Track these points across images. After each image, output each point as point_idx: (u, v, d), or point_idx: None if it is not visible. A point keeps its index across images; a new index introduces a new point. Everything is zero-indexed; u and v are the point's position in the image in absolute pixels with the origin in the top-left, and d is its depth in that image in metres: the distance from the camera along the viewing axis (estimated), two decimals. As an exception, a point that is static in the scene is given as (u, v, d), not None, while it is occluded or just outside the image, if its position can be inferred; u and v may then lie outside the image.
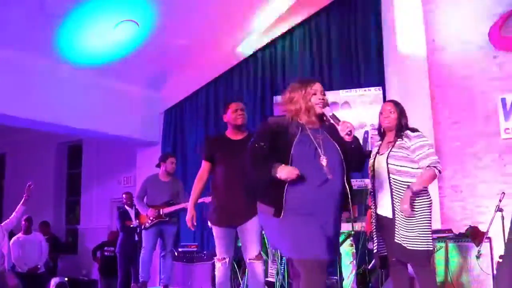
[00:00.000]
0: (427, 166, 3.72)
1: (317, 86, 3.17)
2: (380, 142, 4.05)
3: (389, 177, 3.76)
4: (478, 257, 5.24)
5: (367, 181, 5.04)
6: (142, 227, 6.54)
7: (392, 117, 3.91)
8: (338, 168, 3.07)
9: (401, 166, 3.75)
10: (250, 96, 8.35)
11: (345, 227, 5.00)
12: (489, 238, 5.39)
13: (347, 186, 3.13)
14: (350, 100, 6.82)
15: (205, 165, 4.32)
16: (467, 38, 6.73)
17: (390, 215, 3.73)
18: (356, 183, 5.10)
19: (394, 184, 3.75)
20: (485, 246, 5.30)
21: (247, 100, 8.29)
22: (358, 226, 5.01)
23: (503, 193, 5.19)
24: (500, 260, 4.89)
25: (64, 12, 6.77)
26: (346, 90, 6.99)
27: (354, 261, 5.25)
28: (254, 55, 8.46)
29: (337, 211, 3.13)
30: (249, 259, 4.15)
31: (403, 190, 3.69)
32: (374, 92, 6.94)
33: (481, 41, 6.63)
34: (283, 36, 8.20)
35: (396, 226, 3.69)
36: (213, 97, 8.90)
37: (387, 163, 3.78)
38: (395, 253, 3.77)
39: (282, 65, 8.13)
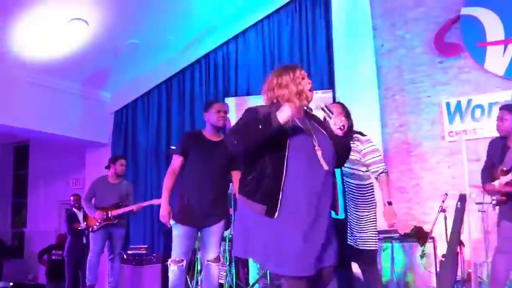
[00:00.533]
0: (382, 172, 3.79)
1: (303, 72, 2.93)
2: None
3: (342, 179, 3.78)
4: (422, 256, 5.40)
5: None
6: (90, 229, 6.41)
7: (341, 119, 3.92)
8: (332, 161, 2.81)
9: (353, 169, 3.79)
10: (202, 97, 8.31)
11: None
12: (433, 238, 5.55)
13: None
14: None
15: (178, 160, 4.21)
16: (414, 43, 6.93)
17: (342, 216, 3.68)
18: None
19: (348, 187, 3.78)
20: (429, 245, 5.46)
21: (199, 101, 8.26)
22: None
23: (446, 194, 5.35)
24: (443, 259, 5.05)
25: (12, 11, 6.57)
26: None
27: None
28: (206, 56, 8.44)
29: (330, 210, 2.81)
30: (208, 261, 4.14)
31: (354, 192, 3.74)
32: (323, 94, 7.02)
33: (427, 47, 6.83)
34: (235, 37, 8.20)
35: (348, 228, 3.72)
36: (165, 98, 8.81)
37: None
38: (345, 254, 3.79)
39: (234, 66, 8.13)
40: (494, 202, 4.30)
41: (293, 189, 2.62)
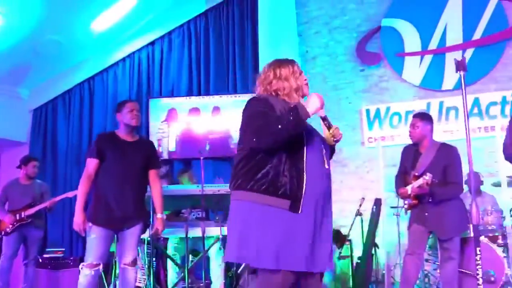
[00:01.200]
0: None
1: (299, 67, 2.80)
2: None
3: None
4: (339, 258, 5.53)
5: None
6: (3, 233, 6.13)
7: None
8: (328, 161, 2.70)
9: None
10: (125, 97, 8.12)
11: (214, 231, 5.02)
12: (350, 241, 5.70)
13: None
14: (223, 105, 6.90)
15: (93, 163, 4.06)
16: (337, 51, 7.12)
17: None
18: (224, 188, 5.13)
19: None
20: (346, 248, 5.60)
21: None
22: (226, 230, 5.05)
23: (363, 198, 5.52)
24: (359, 261, 5.20)
25: None
26: (220, 95, 7.04)
27: (222, 265, 5.29)
28: (131, 55, 8.28)
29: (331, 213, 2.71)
30: (124, 264, 4.04)
31: None
32: (245, 99, 7.04)
33: (349, 55, 7.04)
34: (161, 38, 8.10)
35: None
36: (88, 97, 8.56)
37: None
38: None
39: (159, 67, 8.02)
40: (406, 206, 4.47)
41: (311, 187, 2.52)
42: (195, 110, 6.84)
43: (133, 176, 4.08)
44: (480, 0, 6.67)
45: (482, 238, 4.95)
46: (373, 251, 5.07)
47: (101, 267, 3.95)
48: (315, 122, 2.72)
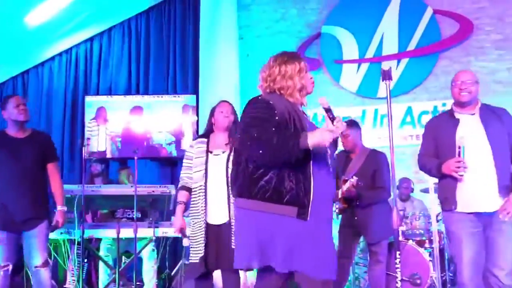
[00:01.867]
0: None
1: (306, 63, 2.71)
2: (203, 139, 3.76)
3: (227, 182, 3.57)
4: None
5: (172, 187, 5.07)
6: None
7: (231, 118, 3.78)
8: (332, 162, 2.61)
9: None
10: (60, 93, 7.90)
11: (147, 232, 4.96)
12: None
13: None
14: (162, 105, 6.84)
15: None
16: (277, 55, 7.17)
17: (224, 221, 3.56)
18: (159, 189, 5.08)
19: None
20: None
21: (56, 98, 7.85)
22: (160, 231, 5.00)
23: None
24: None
25: None
26: (159, 95, 6.98)
27: (155, 266, 5.23)
28: (68, 50, 8.05)
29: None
30: (36, 267, 3.88)
31: None
32: (184, 99, 7.00)
33: (289, 60, 7.11)
34: (100, 34, 7.93)
35: (232, 233, 3.48)
36: (21, 91, 8.24)
37: (227, 167, 3.60)
38: (229, 259, 3.40)
39: (97, 64, 7.84)
40: (337, 210, 4.57)
41: (318, 192, 2.43)
42: (136, 109, 6.76)
43: (29, 175, 3.88)
44: (415, 12, 6.92)
45: (410, 242, 5.13)
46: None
47: (10, 267, 3.82)
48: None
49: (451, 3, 6.89)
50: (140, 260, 5.21)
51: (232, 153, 3.60)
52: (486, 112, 2.46)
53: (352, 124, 4.58)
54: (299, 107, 2.64)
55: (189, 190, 3.71)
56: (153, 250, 5.23)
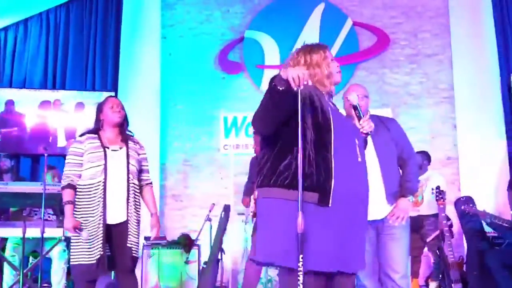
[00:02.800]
0: (150, 183, 3.78)
1: (331, 52, 2.62)
2: (93, 135, 3.63)
3: (128, 179, 3.56)
4: (186, 263, 5.56)
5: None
6: None
7: (122, 113, 3.70)
8: (364, 153, 2.50)
9: (137, 169, 3.66)
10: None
11: (56, 232, 4.79)
12: (198, 246, 5.77)
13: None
14: (79, 101, 6.65)
15: None
16: (200, 57, 7.18)
17: (122, 220, 3.51)
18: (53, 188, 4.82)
19: (132, 188, 3.58)
20: (194, 253, 5.66)
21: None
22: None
23: (213, 204, 5.60)
24: (204, 266, 5.26)
25: None
26: (76, 91, 6.79)
27: (65, 267, 5.07)
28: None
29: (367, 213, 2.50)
30: None
31: (137, 193, 3.62)
32: (103, 96, 6.82)
33: (212, 62, 7.14)
34: (16, 24, 7.58)
35: (129, 231, 3.50)
36: None
37: (128, 163, 3.57)
38: (127, 261, 3.51)
39: (11, 55, 7.48)
40: (251, 213, 4.63)
41: (341, 178, 2.30)
42: (48, 103, 6.53)
43: None
44: (336, 23, 7.13)
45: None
46: (219, 256, 5.16)
47: None
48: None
49: (370, 16, 7.16)
50: (49, 260, 5.03)
51: (129, 150, 3.60)
52: (374, 122, 2.58)
53: None
54: (325, 96, 2.54)
55: (75, 188, 3.54)
56: (64, 250, 5.06)
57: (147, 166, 3.81)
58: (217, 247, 5.14)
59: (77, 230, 3.42)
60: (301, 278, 2.18)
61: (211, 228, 5.56)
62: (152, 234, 3.75)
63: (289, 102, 2.28)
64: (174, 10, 7.36)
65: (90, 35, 7.41)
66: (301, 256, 2.18)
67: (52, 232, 4.77)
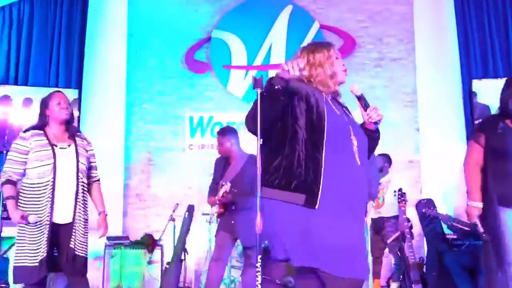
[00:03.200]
0: (98, 180, 3.74)
1: (337, 51, 2.59)
2: (39, 131, 3.53)
3: (77, 178, 3.50)
4: (149, 263, 5.52)
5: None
6: None
7: (70, 109, 3.67)
8: (365, 156, 2.45)
9: (86, 167, 3.60)
10: None
11: (11, 232, 4.67)
12: (161, 246, 5.73)
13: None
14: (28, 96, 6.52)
15: None
16: (166, 56, 7.13)
17: (70, 220, 3.45)
18: None
19: (82, 186, 3.53)
20: (157, 253, 5.61)
21: None
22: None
23: (177, 204, 5.58)
24: (167, 266, 5.23)
25: None
26: (39, 87, 6.64)
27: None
28: None
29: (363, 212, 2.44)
30: None
31: (85, 192, 3.59)
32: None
33: (178, 62, 7.10)
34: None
35: (73, 232, 3.43)
36: None
37: (78, 161, 3.52)
38: (74, 263, 3.44)
39: (-29, 50, 7.28)
40: (215, 214, 4.62)
41: (332, 180, 2.26)
42: (5, 99, 6.37)
43: None
44: (303, 26, 7.16)
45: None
46: (182, 257, 5.13)
47: None
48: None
49: (337, 20, 7.23)
50: (7, 260, 4.93)
51: (78, 147, 3.54)
52: None
53: (224, 132, 4.68)
54: (329, 96, 2.51)
55: (15, 183, 3.46)
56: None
57: (95, 162, 3.74)
58: (180, 247, 5.12)
59: (24, 219, 3.32)
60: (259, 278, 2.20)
61: (174, 228, 5.53)
62: (100, 233, 3.67)
63: (280, 100, 2.30)
64: (141, 8, 7.28)
65: (55, 31, 7.24)
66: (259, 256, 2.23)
67: (11, 231, 4.66)
